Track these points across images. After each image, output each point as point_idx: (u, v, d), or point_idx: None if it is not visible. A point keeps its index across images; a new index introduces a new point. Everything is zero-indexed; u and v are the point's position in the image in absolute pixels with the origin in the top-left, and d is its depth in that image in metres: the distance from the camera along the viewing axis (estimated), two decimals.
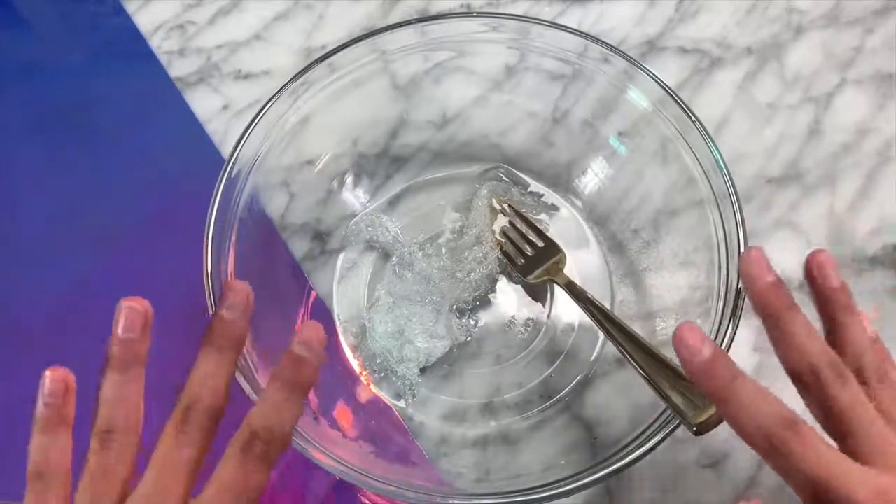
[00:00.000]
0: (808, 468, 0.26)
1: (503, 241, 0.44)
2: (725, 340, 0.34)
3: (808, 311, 0.43)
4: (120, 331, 0.28)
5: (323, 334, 0.29)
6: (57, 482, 0.27)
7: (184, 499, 0.27)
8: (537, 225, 0.44)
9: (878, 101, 0.50)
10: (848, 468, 0.26)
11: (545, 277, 0.42)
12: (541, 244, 0.43)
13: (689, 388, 0.31)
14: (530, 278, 0.42)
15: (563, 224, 0.45)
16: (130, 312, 0.28)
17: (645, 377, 0.33)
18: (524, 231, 0.44)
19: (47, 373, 0.28)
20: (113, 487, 0.27)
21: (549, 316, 0.43)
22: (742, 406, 0.28)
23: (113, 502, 0.27)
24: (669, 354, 0.37)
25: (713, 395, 0.28)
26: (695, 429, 0.30)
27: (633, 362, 0.34)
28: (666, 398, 0.32)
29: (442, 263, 0.43)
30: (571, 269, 0.44)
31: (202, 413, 0.28)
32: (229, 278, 0.36)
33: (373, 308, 0.43)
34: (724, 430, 0.41)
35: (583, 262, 0.44)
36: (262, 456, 0.27)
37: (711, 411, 0.30)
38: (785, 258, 0.45)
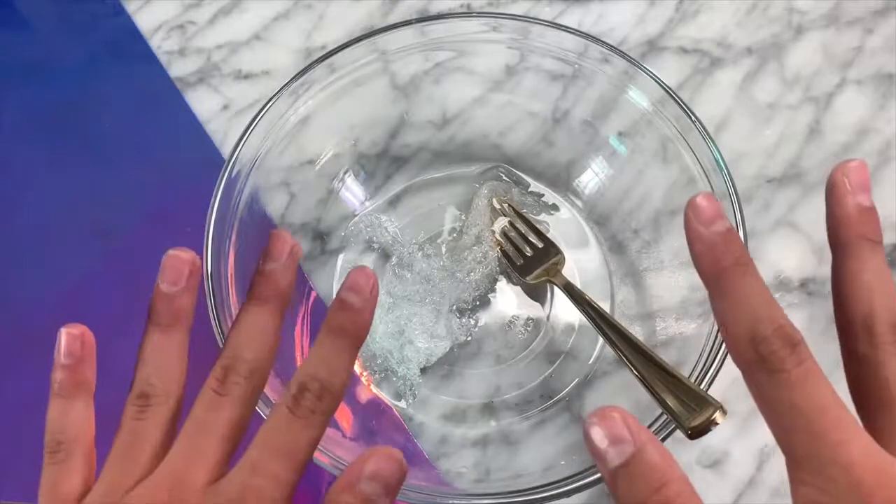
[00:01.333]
0: (800, 399, 0.21)
1: (502, 241, 0.44)
2: None
3: (814, 312, 0.44)
4: (164, 285, 0.26)
5: (374, 278, 0.26)
6: (77, 451, 0.25)
7: (220, 465, 0.24)
8: (537, 225, 0.44)
9: (878, 101, 0.50)
10: (848, 421, 0.21)
11: (544, 278, 0.42)
12: (540, 245, 0.43)
13: (685, 392, 0.31)
14: (529, 279, 0.42)
15: (563, 224, 0.45)
16: (175, 261, 0.26)
17: (640, 379, 0.33)
18: (524, 231, 0.44)
19: (63, 330, 0.26)
20: (144, 457, 0.24)
21: (549, 316, 0.43)
22: (739, 301, 0.23)
23: (142, 473, 0.24)
24: (667, 356, 0.38)
25: (711, 277, 0.23)
26: (689, 432, 0.30)
27: (629, 364, 0.34)
28: (661, 401, 0.32)
29: (442, 263, 0.43)
30: (572, 270, 0.44)
31: (243, 370, 0.25)
32: (230, 281, 0.36)
33: None
34: (724, 431, 0.41)
35: (583, 262, 0.44)
36: (312, 409, 0.24)
37: (706, 415, 0.30)
38: (785, 258, 0.45)
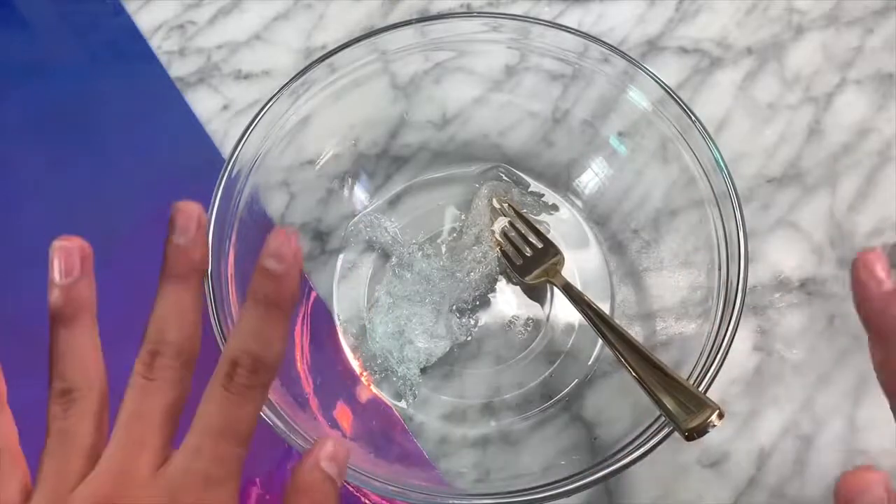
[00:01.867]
0: None
1: (502, 241, 0.44)
2: (725, 341, 0.34)
3: (814, 312, 0.44)
4: (56, 276, 0.25)
5: (295, 242, 0.24)
6: (5, 461, 0.24)
7: (162, 452, 0.24)
8: (537, 226, 0.44)
9: (878, 101, 0.50)
10: None
11: (543, 279, 0.42)
12: (539, 245, 0.43)
13: (683, 393, 0.31)
14: (528, 279, 0.42)
15: (563, 224, 0.45)
16: (64, 253, 0.25)
17: (638, 381, 0.33)
18: (523, 231, 0.44)
19: (56, 244, 0.25)
20: (78, 455, 0.24)
21: (549, 316, 0.43)
22: None
23: (80, 471, 0.24)
24: (667, 357, 0.38)
25: (881, 335, 0.24)
26: (686, 434, 0.30)
27: (627, 365, 0.34)
28: (658, 402, 0.32)
29: (441, 263, 0.43)
30: (571, 270, 0.44)
31: (170, 352, 0.25)
32: (230, 282, 0.35)
33: (373, 309, 0.43)
34: (724, 431, 0.41)
35: (583, 262, 0.44)
36: (247, 385, 0.24)
37: (704, 417, 0.30)
38: (785, 258, 0.45)
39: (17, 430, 0.25)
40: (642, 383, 0.33)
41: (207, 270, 0.27)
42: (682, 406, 0.31)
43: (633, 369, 0.34)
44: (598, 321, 0.37)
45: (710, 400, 0.31)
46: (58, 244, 0.25)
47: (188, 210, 0.27)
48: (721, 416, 0.30)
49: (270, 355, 0.24)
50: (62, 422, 0.24)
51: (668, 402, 0.31)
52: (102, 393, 0.25)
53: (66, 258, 0.25)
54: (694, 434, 0.30)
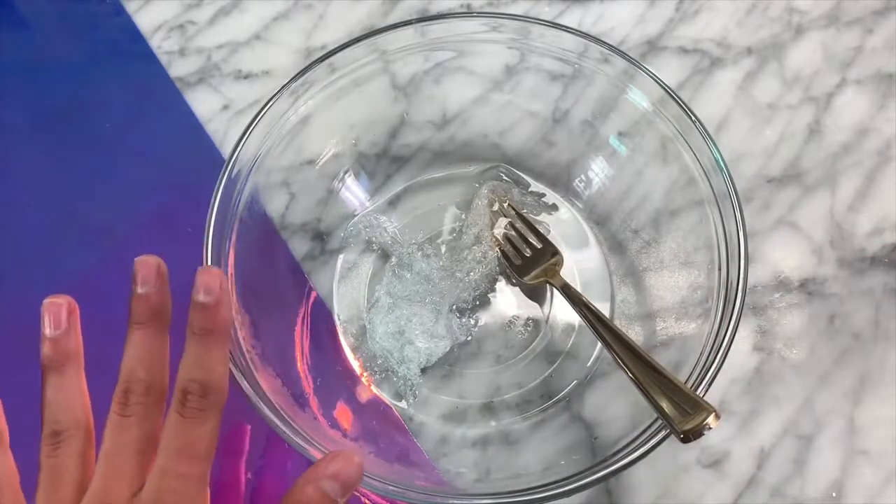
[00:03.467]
0: None
1: (502, 241, 0.44)
2: (725, 341, 0.33)
3: (813, 312, 0.44)
4: (47, 329, 0.28)
5: (219, 273, 0.28)
6: (7, 499, 0.27)
7: (138, 479, 0.26)
8: (536, 226, 0.44)
9: (878, 101, 0.50)
10: None
11: (541, 279, 0.42)
12: (539, 245, 0.43)
13: (679, 395, 0.31)
14: (527, 279, 0.42)
15: (564, 224, 0.45)
16: (53, 308, 0.28)
17: (635, 382, 0.33)
18: (523, 232, 0.44)
19: (46, 301, 0.28)
20: (67, 488, 0.27)
21: (549, 316, 0.43)
22: None
23: (70, 502, 0.26)
24: (667, 357, 0.38)
25: None
26: (682, 436, 0.30)
27: (624, 367, 0.34)
28: (654, 404, 0.32)
29: (441, 263, 0.43)
30: (572, 270, 0.44)
31: (140, 390, 0.27)
32: (230, 282, 0.36)
33: (373, 309, 0.43)
34: (724, 430, 0.41)
35: (583, 262, 0.44)
36: (200, 408, 0.27)
37: (700, 419, 0.30)
38: (785, 258, 0.45)
39: (17, 472, 0.28)
40: (639, 385, 0.33)
41: (168, 317, 0.30)
42: (679, 408, 0.31)
43: (629, 370, 0.34)
44: (596, 322, 0.37)
45: (707, 402, 0.31)
46: (48, 301, 0.29)
47: (148, 262, 0.30)
48: (717, 417, 0.30)
49: (215, 378, 0.28)
50: (52, 460, 0.27)
51: (665, 404, 0.31)
52: (88, 432, 0.28)
53: (55, 313, 0.28)
54: (690, 436, 0.30)
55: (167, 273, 0.30)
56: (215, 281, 0.28)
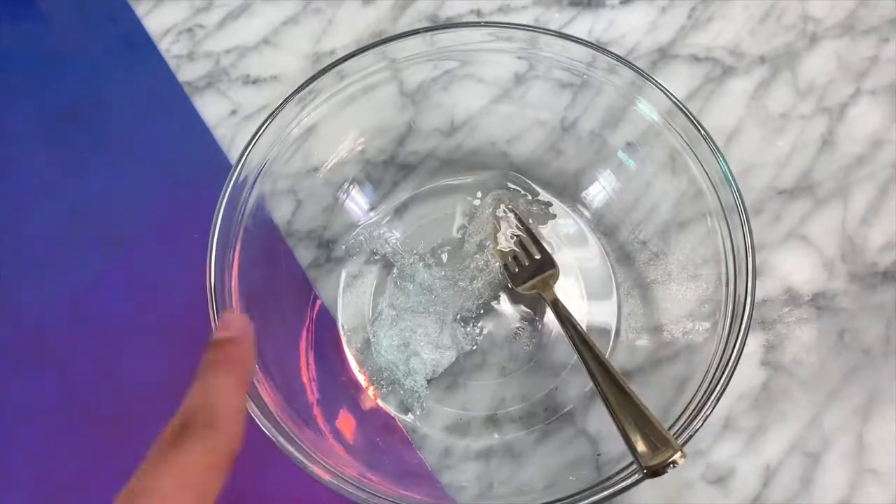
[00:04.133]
0: None
1: (503, 247, 0.44)
2: (733, 357, 0.33)
3: (823, 327, 0.43)
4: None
5: (243, 317, 0.29)
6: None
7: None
8: (540, 238, 0.44)
9: (892, 112, 0.49)
10: None
11: (534, 291, 0.42)
12: (537, 256, 0.43)
13: (650, 429, 0.31)
14: (521, 289, 0.42)
15: (570, 235, 0.45)
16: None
17: (609, 409, 0.33)
18: (524, 241, 0.43)
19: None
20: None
21: (554, 328, 0.42)
22: None
23: None
24: (674, 371, 0.37)
25: None
26: (645, 471, 0.30)
27: (601, 392, 0.34)
28: (624, 435, 0.31)
29: (443, 273, 0.43)
30: (577, 280, 0.43)
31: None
32: (233, 292, 0.35)
33: (377, 322, 0.42)
34: (730, 447, 0.41)
35: (589, 272, 0.44)
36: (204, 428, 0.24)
37: (665, 456, 0.30)
38: (795, 272, 0.45)
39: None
40: (612, 413, 0.32)
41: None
42: (648, 442, 0.31)
43: (605, 396, 0.33)
44: (580, 343, 0.36)
45: (675, 441, 0.30)
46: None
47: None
48: (683, 456, 0.30)
49: (229, 406, 0.26)
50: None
51: (634, 437, 0.31)
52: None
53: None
54: (653, 473, 0.30)
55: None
56: (238, 320, 0.30)
